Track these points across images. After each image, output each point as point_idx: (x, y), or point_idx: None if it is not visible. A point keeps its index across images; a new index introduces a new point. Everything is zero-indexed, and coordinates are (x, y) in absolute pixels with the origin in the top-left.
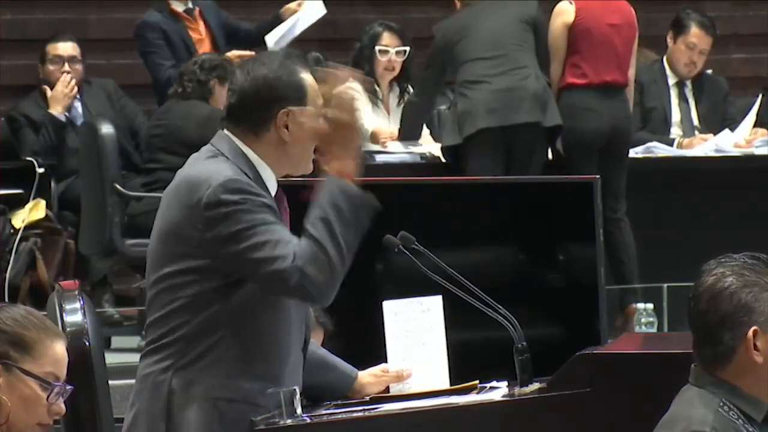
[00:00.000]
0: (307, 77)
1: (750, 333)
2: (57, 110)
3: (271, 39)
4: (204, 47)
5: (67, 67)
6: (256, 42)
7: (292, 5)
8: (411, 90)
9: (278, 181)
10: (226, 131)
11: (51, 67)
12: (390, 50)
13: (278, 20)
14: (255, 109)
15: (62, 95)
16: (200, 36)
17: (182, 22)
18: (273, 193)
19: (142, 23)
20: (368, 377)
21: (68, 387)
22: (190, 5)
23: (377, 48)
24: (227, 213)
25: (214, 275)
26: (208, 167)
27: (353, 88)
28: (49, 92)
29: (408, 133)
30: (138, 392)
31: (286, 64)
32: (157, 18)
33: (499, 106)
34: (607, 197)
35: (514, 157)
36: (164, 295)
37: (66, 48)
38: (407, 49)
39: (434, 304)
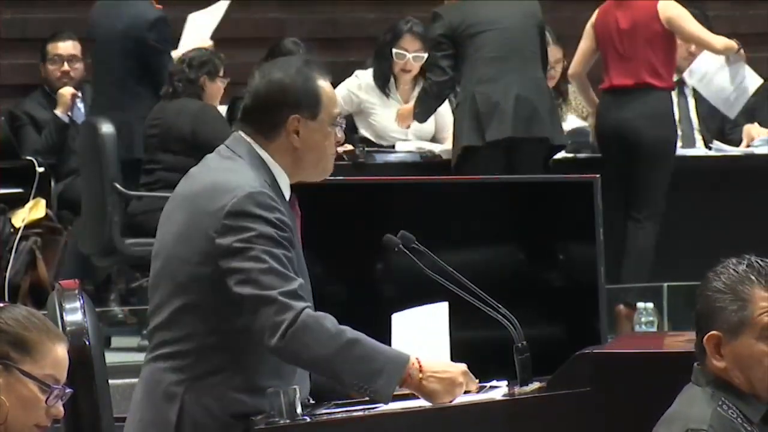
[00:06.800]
0: (323, 85)
1: (706, 338)
2: (59, 111)
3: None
4: None
5: (66, 66)
6: None
7: None
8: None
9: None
10: (241, 133)
11: (51, 67)
12: (407, 55)
13: None
14: (266, 112)
15: (66, 97)
16: None
17: None
18: (287, 197)
19: (163, 18)
20: None
21: (68, 390)
22: None
23: (395, 50)
24: (245, 227)
25: (224, 285)
26: (236, 176)
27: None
28: (66, 92)
29: (420, 115)
30: (147, 398)
31: (303, 71)
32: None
33: (524, 115)
34: (628, 196)
35: (515, 165)
36: (175, 299)
37: (66, 47)
38: (425, 56)
39: (440, 310)
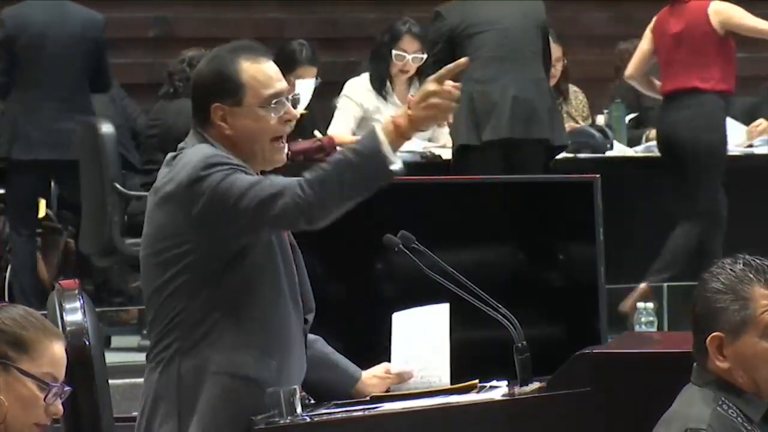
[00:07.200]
0: (247, 68)
1: (709, 339)
2: None
3: None
4: None
5: None
6: None
7: None
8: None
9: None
10: (196, 127)
11: None
12: (407, 56)
13: None
14: (195, 105)
15: None
16: None
17: None
18: None
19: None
20: (372, 379)
21: (66, 388)
22: None
23: (394, 52)
24: (210, 182)
25: (207, 256)
26: (189, 157)
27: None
28: None
29: None
30: (147, 384)
31: (221, 58)
32: None
33: (522, 115)
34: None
35: (515, 166)
36: (157, 297)
37: None
38: (424, 56)
39: (441, 311)
